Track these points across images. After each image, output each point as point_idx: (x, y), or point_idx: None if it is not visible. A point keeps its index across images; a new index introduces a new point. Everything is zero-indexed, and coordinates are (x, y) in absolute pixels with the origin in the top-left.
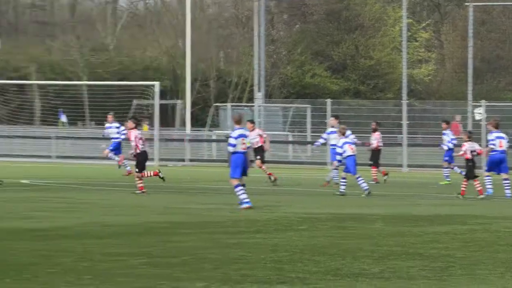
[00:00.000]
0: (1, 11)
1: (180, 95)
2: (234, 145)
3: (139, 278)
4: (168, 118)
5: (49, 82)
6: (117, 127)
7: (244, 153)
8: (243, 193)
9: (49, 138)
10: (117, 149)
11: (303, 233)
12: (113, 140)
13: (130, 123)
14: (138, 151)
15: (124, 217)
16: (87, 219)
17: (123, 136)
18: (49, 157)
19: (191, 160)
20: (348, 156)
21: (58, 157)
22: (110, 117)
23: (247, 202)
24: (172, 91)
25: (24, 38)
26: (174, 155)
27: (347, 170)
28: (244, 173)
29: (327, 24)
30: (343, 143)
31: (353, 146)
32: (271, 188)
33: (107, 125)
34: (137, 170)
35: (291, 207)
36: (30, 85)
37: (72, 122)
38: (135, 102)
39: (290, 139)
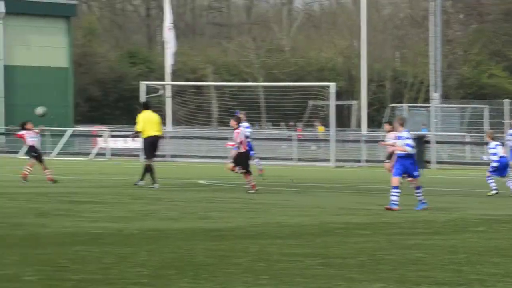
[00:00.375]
0: (179, 13)
1: (356, 95)
2: (412, 147)
3: (315, 278)
4: (343, 119)
5: (225, 84)
6: (247, 127)
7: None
8: (394, 196)
9: (225, 139)
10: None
11: (481, 234)
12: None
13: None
14: (242, 150)
15: (300, 217)
16: (262, 219)
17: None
18: (225, 158)
19: (367, 161)
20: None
21: None
22: (241, 116)
23: (394, 204)
24: (347, 92)
25: (201, 40)
26: (350, 156)
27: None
28: (413, 175)
29: (503, 24)
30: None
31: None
32: (448, 189)
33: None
34: (241, 168)
35: (469, 208)
36: (207, 86)
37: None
38: (310, 103)
39: (468, 140)
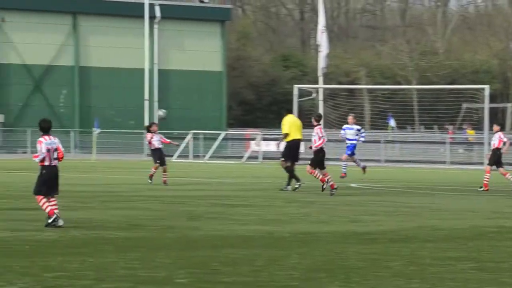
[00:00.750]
0: (333, 17)
1: (511, 98)
2: None
3: (467, 282)
4: (498, 121)
5: (378, 87)
6: (358, 130)
7: None
8: None
9: (378, 142)
10: (352, 152)
11: None
12: (349, 141)
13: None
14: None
15: (452, 221)
16: (414, 222)
17: (362, 139)
18: (378, 161)
19: None
20: None
21: (386, 161)
22: (350, 118)
23: None
24: (502, 94)
25: (354, 43)
26: (504, 159)
27: None
28: None
29: None
30: None
31: None
32: None
33: (346, 126)
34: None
35: None
36: (360, 89)
37: (401, 126)
38: (464, 105)
39: None
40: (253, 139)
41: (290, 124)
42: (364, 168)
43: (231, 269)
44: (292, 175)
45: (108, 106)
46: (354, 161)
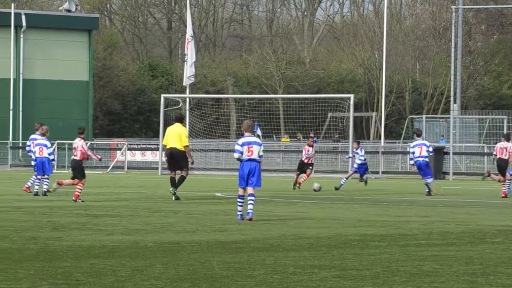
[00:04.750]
0: (201, 26)
1: (375, 107)
2: None
3: None
4: (362, 130)
5: (244, 96)
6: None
7: None
8: None
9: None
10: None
11: (497, 246)
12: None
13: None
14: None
15: (317, 229)
16: (279, 231)
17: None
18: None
19: (383, 172)
20: None
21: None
22: (355, 145)
23: None
24: (367, 103)
25: (221, 53)
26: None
27: None
28: None
29: None
30: None
31: None
32: (466, 200)
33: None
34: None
35: (486, 219)
36: (227, 98)
37: (266, 135)
38: (329, 115)
39: (486, 151)
40: (119, 149)
41: (166, 133)
42: None
43: (95, 279)
44: (172, 183)
45: None
46: None
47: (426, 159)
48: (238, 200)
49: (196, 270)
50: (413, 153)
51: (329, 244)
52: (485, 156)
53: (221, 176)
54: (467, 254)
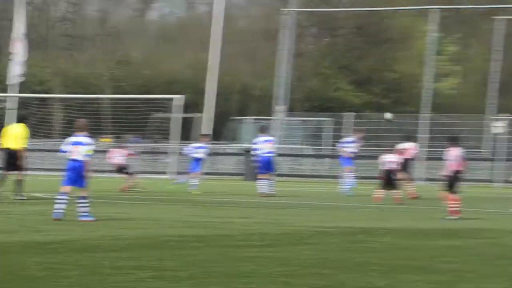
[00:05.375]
0: (33, 25)
1: (201, 108)
2: None
3: None
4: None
5: (70, 96)
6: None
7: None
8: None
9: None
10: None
11: (314, 247)
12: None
13: None
14: None
15: (135, 230)
16: (99, 232)
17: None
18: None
19: (206, 174)
20: None
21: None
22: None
23: None
24: (194, 104)
25: (53, 51)
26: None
27: None
28: None
29: (356, 38)
30: None
31: None
32: (288, 202)
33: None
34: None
35: (305, 221)
36: (54, 98)
37: (93, 136)
38: (155, 115)
39: (309, 152)
40: None
41: (3, 133)
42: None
43: None
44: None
45: None
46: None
47: (271, 155)
48: (58, 197)
49: (12, 271)
50: (258, 149)
51: (147, 244)
52: (306, 158)
53: (45, 176)
54: (284, 255)
